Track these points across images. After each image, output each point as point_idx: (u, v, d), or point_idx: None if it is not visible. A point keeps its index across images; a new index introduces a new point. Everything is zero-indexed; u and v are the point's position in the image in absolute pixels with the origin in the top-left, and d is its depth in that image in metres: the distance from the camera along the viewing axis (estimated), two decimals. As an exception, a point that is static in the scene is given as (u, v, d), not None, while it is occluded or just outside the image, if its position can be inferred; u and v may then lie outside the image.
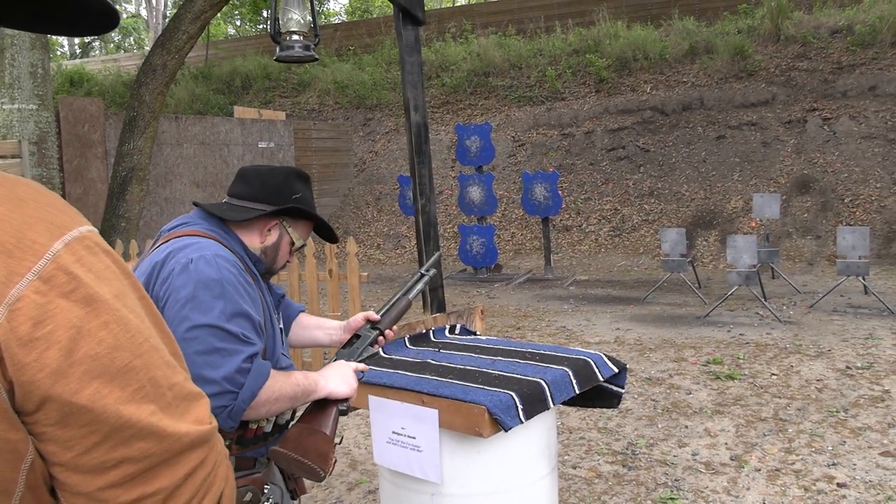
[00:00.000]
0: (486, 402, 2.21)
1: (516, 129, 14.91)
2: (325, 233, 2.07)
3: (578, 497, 3.77)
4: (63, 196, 10.15)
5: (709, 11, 15.54)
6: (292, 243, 1.95)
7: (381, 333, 2.06)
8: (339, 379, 1.84)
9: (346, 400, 1.85)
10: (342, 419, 1.94)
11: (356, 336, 2.06)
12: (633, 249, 11.97)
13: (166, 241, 1.78)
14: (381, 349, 2.12)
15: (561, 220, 12.92)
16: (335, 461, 1.82)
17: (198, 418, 0.77)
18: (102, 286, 0.71)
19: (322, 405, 1.82)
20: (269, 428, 1.83)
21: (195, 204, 1.93)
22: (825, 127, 12.25)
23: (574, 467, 4.13)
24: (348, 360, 1.97)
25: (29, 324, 0.66)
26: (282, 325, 2.03)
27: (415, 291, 2.17)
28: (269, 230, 1.89)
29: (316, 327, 2.21)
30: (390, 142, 16.05)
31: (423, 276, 2.23)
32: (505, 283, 10.58)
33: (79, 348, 0.68)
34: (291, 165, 2.15)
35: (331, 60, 18.50)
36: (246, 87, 18.87)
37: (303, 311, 2.24)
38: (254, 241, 1.88)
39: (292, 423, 1.89)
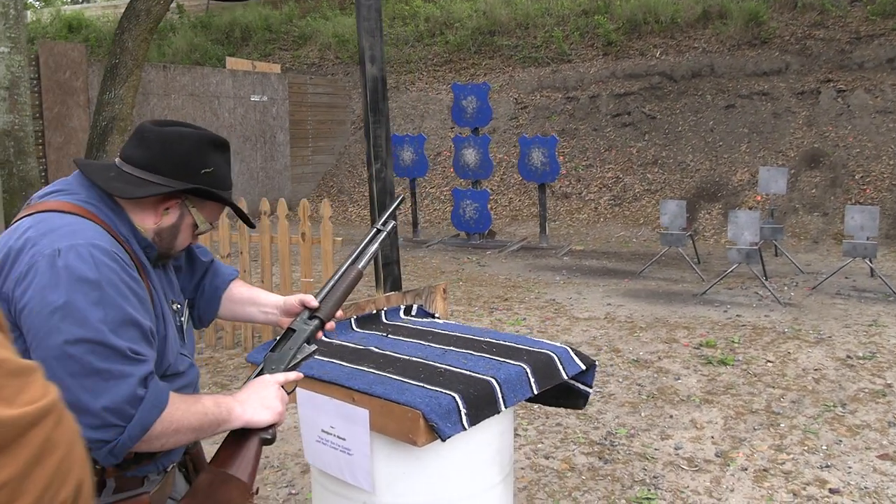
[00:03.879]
0: (421, 407, 1.89)
1: (519, 91, 14.43)
2: (241, 217, 1.72)
3: (547, 492, 3.47)
4: (43, 145, 9.80)
5: (725, -26, 14.90)
6: (195, 226, 1.57)
7: (322, 325, 1.70)
8: (258, 403, 1.50)
9: (270, 427, 1.52)
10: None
11: (290, 330, 1.68)
12: (634, 220, 11.59)
13: (29, 214, 1.40)
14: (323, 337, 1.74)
15: (560, 186, 12.52)
16: None
17: (31, 398, 0.67)
18: None
19: (241, 436, 1.48)
20: None
21: (75, 162, 1.56)
22: (839, 99, 11.76)
23: (547, 457, 3.84)
24: (276, 367, 1.62)
25: None
26: (188, 315, 1.69)
27: (367, 256, 1.81)
28: (168, 209, 1.51)
29: (250, 303, 1.84)
30: (390, 100, 15.58)
31: (378, 231, 1.85)
32: (497, 251, 10.24)
33: None
34: (205, 130, 1.66)
35: (333, 14, 17.92)
36: (245, 38, 18.32)
37: (235, 279, 1.86)
38: (146, 220, 1.49)
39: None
